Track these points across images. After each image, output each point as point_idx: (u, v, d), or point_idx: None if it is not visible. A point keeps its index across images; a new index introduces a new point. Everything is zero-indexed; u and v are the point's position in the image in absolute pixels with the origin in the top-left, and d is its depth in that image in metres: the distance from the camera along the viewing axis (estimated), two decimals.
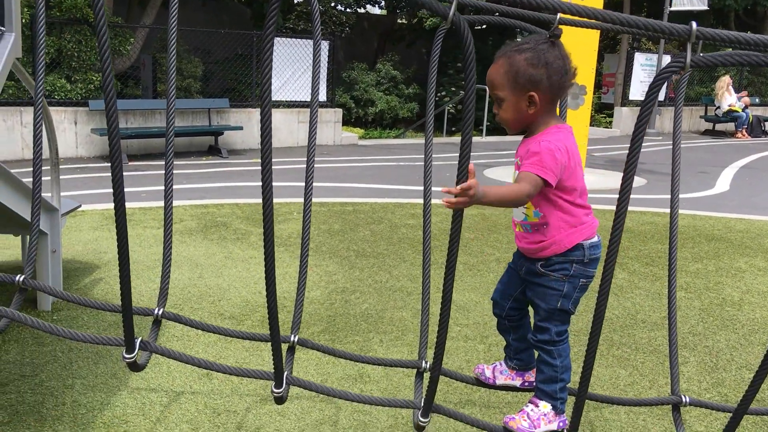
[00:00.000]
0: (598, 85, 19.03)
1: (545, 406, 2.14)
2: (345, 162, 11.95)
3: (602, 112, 20.28)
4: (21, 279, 2.03)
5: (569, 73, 2.02)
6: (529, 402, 2.19)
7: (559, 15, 2.21)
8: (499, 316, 2.33)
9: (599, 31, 10.87)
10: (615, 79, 19.47)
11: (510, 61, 2.01)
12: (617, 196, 1.61)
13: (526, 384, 2.36)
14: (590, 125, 11.65)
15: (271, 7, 1.44)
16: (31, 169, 2.15)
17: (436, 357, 1.88)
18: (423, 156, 2.26)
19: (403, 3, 21.02)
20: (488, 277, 5.32)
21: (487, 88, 2.10)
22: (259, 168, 1.55)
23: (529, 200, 1.98)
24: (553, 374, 2.12)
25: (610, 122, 19.39)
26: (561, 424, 2.15)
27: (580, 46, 9.79)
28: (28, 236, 4.72)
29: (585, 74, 10.27)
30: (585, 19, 1.90)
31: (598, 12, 1.61)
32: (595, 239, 2.11)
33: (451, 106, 16.92)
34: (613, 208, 1.67)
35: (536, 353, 2.21)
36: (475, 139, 14.48)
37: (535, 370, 2.33)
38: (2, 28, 2.86)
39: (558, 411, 2.16)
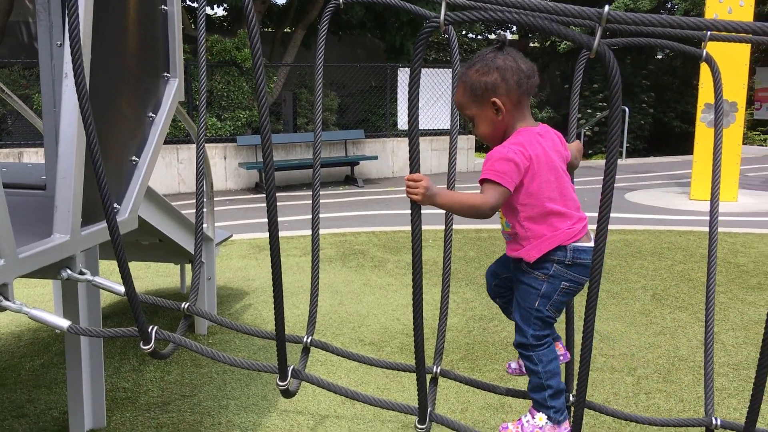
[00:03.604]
0: (750, 101, 17.79)
1: (541, 419, 2.06)
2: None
3: (756, 129, 18.92)
4: (186, 306, 2.20)
5: (525, 71, 1.99)
6: (528, 411, 2.11)
7: (709, 32, 2.12)
8: (489, 285, 2.32)
9: (749, 44, 10.21)
10: None
11: (464, 79, 2.02)
12: None
13: (561, 358, 2.27)
14: (743, 143, 10.89)
15: (417, 45, 1.49)
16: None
17: (580, 390, 1.82)
18: None
19: (542, 34, 20.80)
20: (634, 305, 5.08)
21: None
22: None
23: (494, 212, 1.92)
24: (539, 381, 2.05)
25: (765, 139, 18.03)
26: None
27: (729, 61, 9.24)
28: (186, 264, 5.10)
29: (735, 90, 9.67)
30: (737, 34, 1.81)
31: (751, 25, 1.52)
32: (584, 244, 2.01)
33: (587, 129, 16.44)
34: None
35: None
36: None
37: (558, 344, 2.26)
38: (168, 75, 3.14)
39: (554, 422, 2.05)
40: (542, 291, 2.02)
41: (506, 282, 2.26)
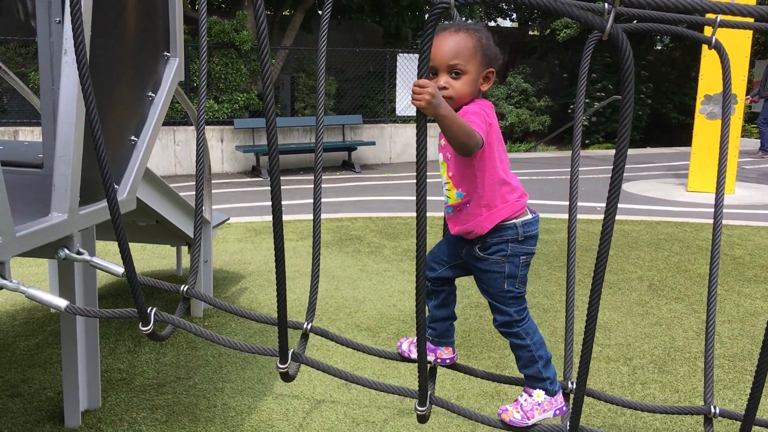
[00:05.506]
0: (748, 93, 17.77)
1: (539, 395, 2.09)
2: None
3: (752, 122, 18.92)
4: (185, 289, 2.18)
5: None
6: (523, 391, 2.13)
7: (719, 17, 2.10)
8: (427, 278, 2.26)
9: (751, 34, 10.15)
10: None
11: (477, 36, 2.00)
12: None
13: (439, 361, 2.31)
14: (741, 136, 10.89)
15: (427, 27, 1.46)
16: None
17: (581, 374, 1.81)
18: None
19: (542, 17, 20.65)
20: (630, 296, 5.08)
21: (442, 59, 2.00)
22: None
23: (475, 149, 1.89)
24: (529, 354, 2.08)
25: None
26: (557, 411, 2.08)
27: (730, 52, 9.19)
28: (183, 247, 5.07)
29: (736, 82, 9.62)
30: (744, 19, 1.78)
31: (759, 9, 1.50)
32: (529, 216, 2.07)
33: (585, 118, 16.41)
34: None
35: (509, 342, 2.15)
36: (612, 151, 13.91)
37: (449, 348, 2.31)
38: (168, 54, 3.10)
39: (551, 393, 2.09)
40: (506, 272, 2.06)
41: (450, 273, 2.24)
